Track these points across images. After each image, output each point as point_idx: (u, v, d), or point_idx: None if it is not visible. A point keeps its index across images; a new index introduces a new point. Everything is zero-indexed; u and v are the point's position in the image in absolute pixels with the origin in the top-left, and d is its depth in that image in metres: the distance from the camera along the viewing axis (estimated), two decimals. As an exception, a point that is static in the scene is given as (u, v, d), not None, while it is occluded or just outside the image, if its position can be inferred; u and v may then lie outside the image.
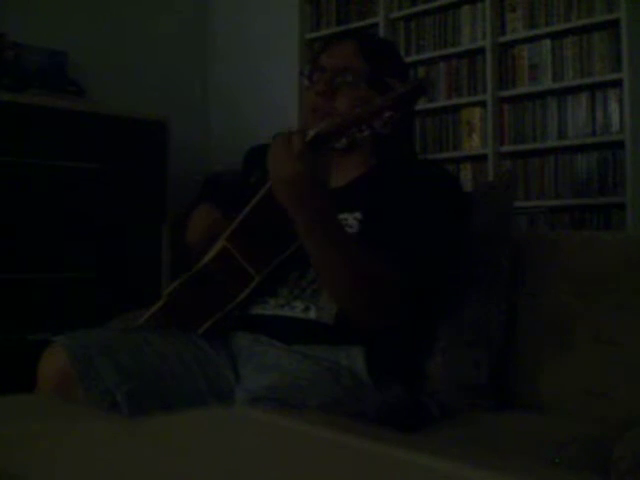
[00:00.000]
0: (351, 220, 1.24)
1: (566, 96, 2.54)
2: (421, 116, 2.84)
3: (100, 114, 2.71)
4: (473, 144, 2.75)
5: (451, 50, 2.80)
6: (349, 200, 1.26)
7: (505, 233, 1.36)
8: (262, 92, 3.30)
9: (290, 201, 1.03)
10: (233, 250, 1.22)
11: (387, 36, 2.88)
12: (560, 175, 2.54)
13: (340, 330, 1.17)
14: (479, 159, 2.71)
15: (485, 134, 2.69)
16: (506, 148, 2.66)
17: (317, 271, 1.15)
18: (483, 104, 2.70)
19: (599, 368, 1.23)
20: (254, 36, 3.37)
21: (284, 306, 1.24)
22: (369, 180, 1.29)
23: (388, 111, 0.99)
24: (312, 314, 1.20)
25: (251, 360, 1.21)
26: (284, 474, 0.29)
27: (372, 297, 1.11)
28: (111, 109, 2.78)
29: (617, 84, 2.39)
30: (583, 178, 2.49)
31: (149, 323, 1.27)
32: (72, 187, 2.58)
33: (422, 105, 2.81)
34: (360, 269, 1.08)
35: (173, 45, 3.39)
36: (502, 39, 2.67)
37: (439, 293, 1.29)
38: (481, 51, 2.71)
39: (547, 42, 2.58)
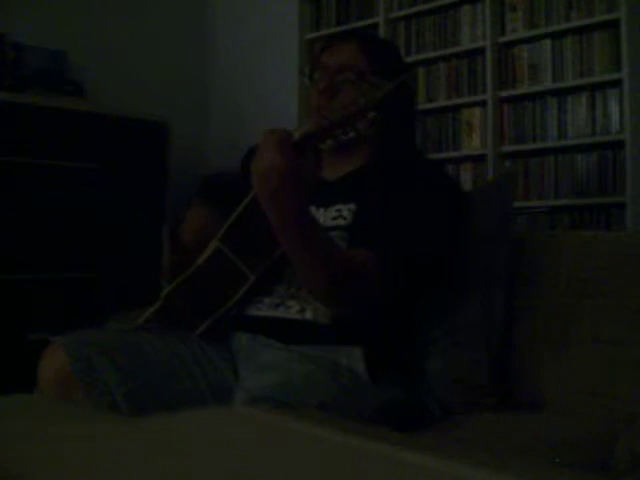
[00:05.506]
0: (345, 211, 1.25)
1: (566, 96, 2.54)
2: (421, 116, 2.83)
3: (100, 114, 2.70)
4: (473, 144, 2.75)
5: (451, 50, 2.80)
6: (344, 192, 1.27)
7: (505, 233, 1.36)
8: (262, 92, 3.30)
9: (263, 194, 1.03)
10: (226, 250, 1.22)
11: (387, 36, 2.88)
12: (560, 175, 2.54)
13: (338, 330, 1.17)
14: (479, 159, 2.71)
15: (485, 134, 2.69)
16: (506, 148, 2.66)
17: (294, 267, 1.15)
18: (483, 104, 2.70)
19: (599, 368, 1.22)
20: (254, 36, 3.37)
21: (279, 306, 1.23)
22: (364, 174, 1.30)
23: (372, 112, 0.99)
24: (308, 315, 1.20)
25: (251, 360, 1.21)
26: (284, 473, 0.29)
27: (347, 292, 1.12)
28: (111, 109, 2.77)
29: (617, 84, 2.39)
30: (583, 178, 2.49)
31: (148, 324, 1.27)
32: (72, 187, 2.58)
33: (422, 105, 2.81)
34: (335, 268, 1.09)
35: (173, 45, 3.39)
36: (502, 39, 2.67)
37: (437, 291, 1.29)
38: (481, 51, 2.71)
39: (547, 42, 2.57)
